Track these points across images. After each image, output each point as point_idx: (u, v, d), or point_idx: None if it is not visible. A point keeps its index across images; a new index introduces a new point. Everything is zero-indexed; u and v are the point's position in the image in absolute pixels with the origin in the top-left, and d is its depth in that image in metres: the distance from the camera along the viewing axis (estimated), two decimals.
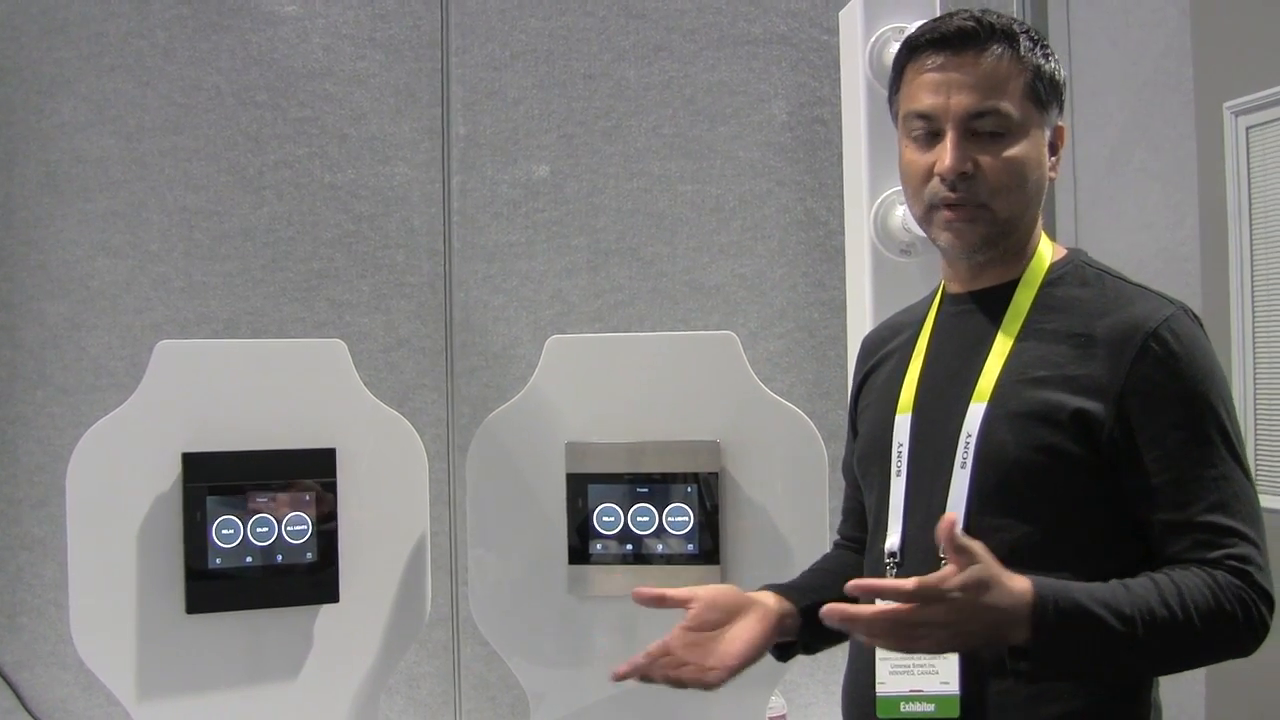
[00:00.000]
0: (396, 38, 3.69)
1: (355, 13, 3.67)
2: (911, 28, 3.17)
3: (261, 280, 3.60)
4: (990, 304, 1.99)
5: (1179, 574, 1.76)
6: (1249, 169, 3.01)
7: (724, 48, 3.77)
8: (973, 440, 1.88)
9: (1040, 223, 2.02)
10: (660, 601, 2.01)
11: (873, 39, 3.32)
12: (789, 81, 3.78)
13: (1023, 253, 1.99)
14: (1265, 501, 2.84)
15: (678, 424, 2.88)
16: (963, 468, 1.88)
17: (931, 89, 1.93)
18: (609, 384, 2.92)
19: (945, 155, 1.90)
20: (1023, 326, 1.93)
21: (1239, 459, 1.84)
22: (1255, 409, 3.00)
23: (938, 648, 1.69)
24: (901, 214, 3.24)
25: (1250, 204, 3.00)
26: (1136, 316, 1.86)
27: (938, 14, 3.22)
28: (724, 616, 2.01)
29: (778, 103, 3.78)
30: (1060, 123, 1.99)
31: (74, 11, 3.54)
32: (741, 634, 1.99)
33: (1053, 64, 1.96)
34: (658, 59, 3.75)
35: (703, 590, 2.04)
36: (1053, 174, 1.99)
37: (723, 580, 2.77)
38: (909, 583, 1.63)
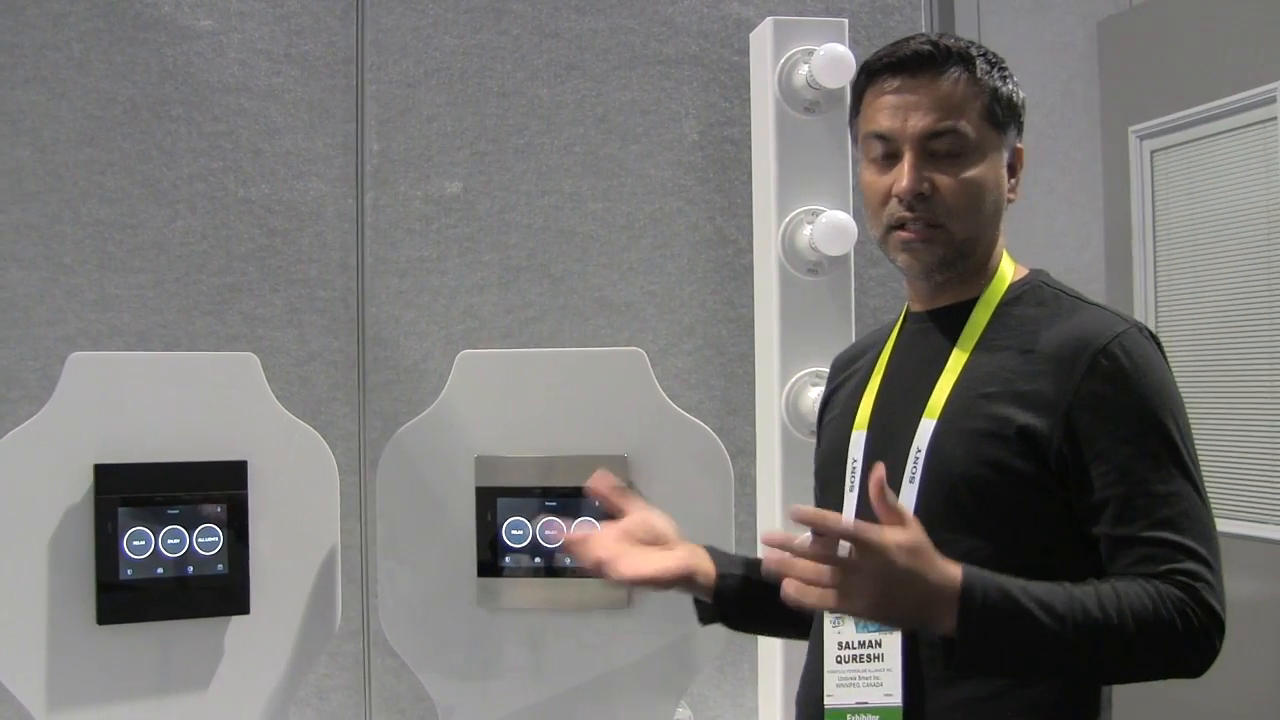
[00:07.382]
0: (311, 54, 3.71)
1: (271, 28, 3.68)
2: (822, 50, 3.26)
3: (174, 293, 3.60)
4: (949, 322, 2.03)
5: (1121, 582, 1.77)
6: (1153, 191, 3.09)
7: (636, 67, 3.81)
8: (922, 455, 1.91)
9: (1002, 243, 2.06)
10: (607, 495, 2.20)
11: (782, 60, 3.38)
12: (700, 101, 3.83)
13: (983, 272, 2.03)
14: None
15: (586, 439, 2.93)
16: (911, 482, 1.91)
17: (889, 111, 1.97)
18: (519, 399, 2.96)
19: (903, 176, 1.94)
20: (977, 343, 1.96)
21: (1192, 478, 1.84)
22: None
23: (866, 609, 1.70)
24: (809, 233, 3.30)
25: (1154, 225, 3.08)
26: (1087, 333, 1.88)
27: (846, 38, 3.31)
28: (650, 539, 2.13)
29: (689, 122, 3.83)
30: (1019, 144, 2.05)
31: None
32: (659, 558, 2.10)
33: (1010, 86, 2.01)
34: (570, 78, 3.80)
35: (645, 511, 2.19)
36: (1012, 195, 2.04)
37: (629, 593, 2.82)
38: (850, 521, 1.67)
